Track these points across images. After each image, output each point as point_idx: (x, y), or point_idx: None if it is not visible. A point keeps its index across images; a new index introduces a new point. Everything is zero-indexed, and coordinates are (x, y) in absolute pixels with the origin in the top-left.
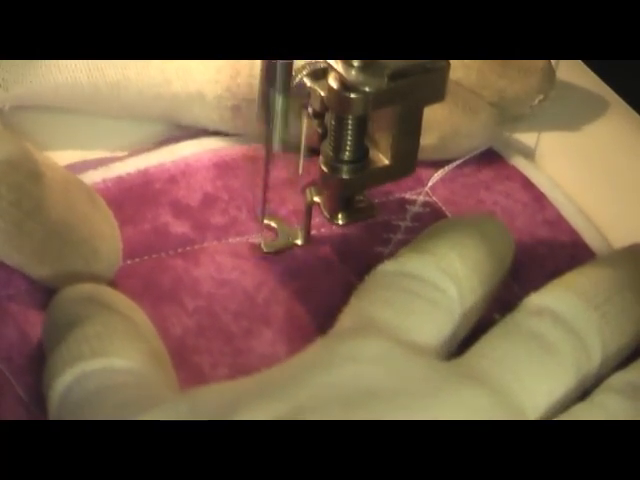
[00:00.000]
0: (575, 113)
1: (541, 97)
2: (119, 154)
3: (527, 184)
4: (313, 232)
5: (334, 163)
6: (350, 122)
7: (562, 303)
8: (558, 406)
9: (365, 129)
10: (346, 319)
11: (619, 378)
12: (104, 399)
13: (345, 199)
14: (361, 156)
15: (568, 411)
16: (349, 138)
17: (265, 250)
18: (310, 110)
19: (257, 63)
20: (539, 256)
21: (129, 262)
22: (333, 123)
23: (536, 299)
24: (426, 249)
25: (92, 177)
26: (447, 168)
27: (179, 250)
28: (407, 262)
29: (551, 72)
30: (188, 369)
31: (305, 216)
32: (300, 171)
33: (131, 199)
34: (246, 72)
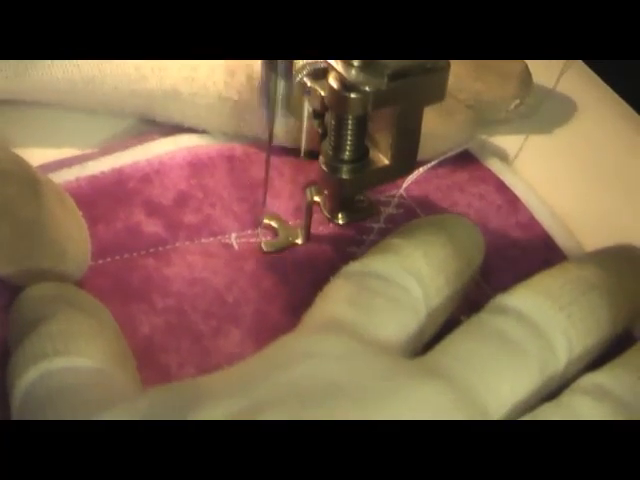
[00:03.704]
0: (569, 114)
1: (517, 102)
2: (93, 150)
3: (501, 187)
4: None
5: (334, 163)
6: (350, 122)
7: (527, 303)
8: (523, 405)
9: (365, 129)
10: (309, 319)
11: (588, 380)
12: (66, 398)
13: (345, 199)
14: (361, 156)
15: (534, 411)
16: (349, 138)
17: (265, 250)
18: (310, 109)
19: (235, 61)
20: (511, 258)
21: (100, 262)
22: (333, 123)
23: (502, 299)
24: (391, 249)
25: (65, 176)
26: (422, 169)
27: (151, 250)
28: (371, 262)
29: (528, 78)
30: (155, 368)
31: (305, 216)
32: (303, 143)
33: (104, 198)
34: (222, 70)
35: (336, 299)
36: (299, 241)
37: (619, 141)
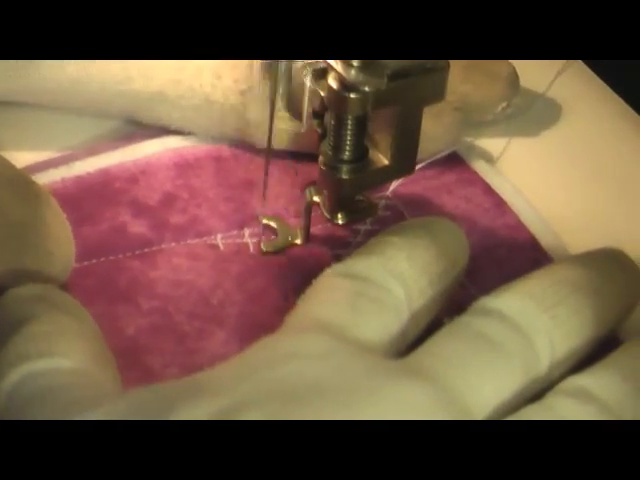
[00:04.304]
0: (567, 114)
1: (504, 104)
2: (79, 151)
3: (488, 189)
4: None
5: (334, 163)
6: (350, 122)
7: (510, 305)
8: (506, 407)
9: (365, 129)
10: (292, 319)
11: (571, 382)
12: (49, 399)
13: (345, 199)
14: (361, 156)
15: (517, 413)
16: (349, 138)
17: (265, 250)
18: (310, 110)
19: (221, 63)
20: (498, 260)
21: (86, 263)
22: (333, 123)
23: (485, 301)
24: (374, 251)
25: (51, 176)
26: None
27: (137, 252)
28: (354, 264)
29: (515, 80)
30: (140, 369)
31: (304, 216)
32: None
33: (90, 198)
34: (208, 72)
35: (319, 300)
36: (299, 241)
37: (618, 142)
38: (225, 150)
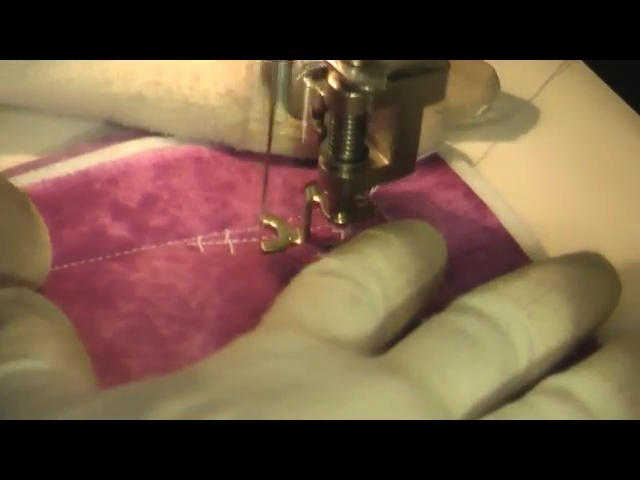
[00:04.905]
0: (567, 114)
1: (484, 108)
2: (60, 152)
3: (469, 192)
4: (244, 240)
5: (334, 163)
6: (350, 122)
7: (488, 302)
8: (485, 404)
9: (365, 129)
10: (270, 317)
11: (552, 381)
12: (25, 400)
13: (345, 199)
14: (361, 156)
15: (497, 411)
16: (349, 138)
17: (265, 249)
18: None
19: (200, 65)
20: (478, 263)
21: (65, 266)
22: (333, 123)
23: (463, 300)
24: (351, 249)
25: (31, 178)
26: None
27: (116, 254)
28: (331, 262)
29: (496, 83)
30: (118, 372)
31: (305, 215)
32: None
33: (70, 200)
34: (188, 74)
35: (295, 298)
36: (299, 241)
37: (619, 142)
38: (205, 151)
